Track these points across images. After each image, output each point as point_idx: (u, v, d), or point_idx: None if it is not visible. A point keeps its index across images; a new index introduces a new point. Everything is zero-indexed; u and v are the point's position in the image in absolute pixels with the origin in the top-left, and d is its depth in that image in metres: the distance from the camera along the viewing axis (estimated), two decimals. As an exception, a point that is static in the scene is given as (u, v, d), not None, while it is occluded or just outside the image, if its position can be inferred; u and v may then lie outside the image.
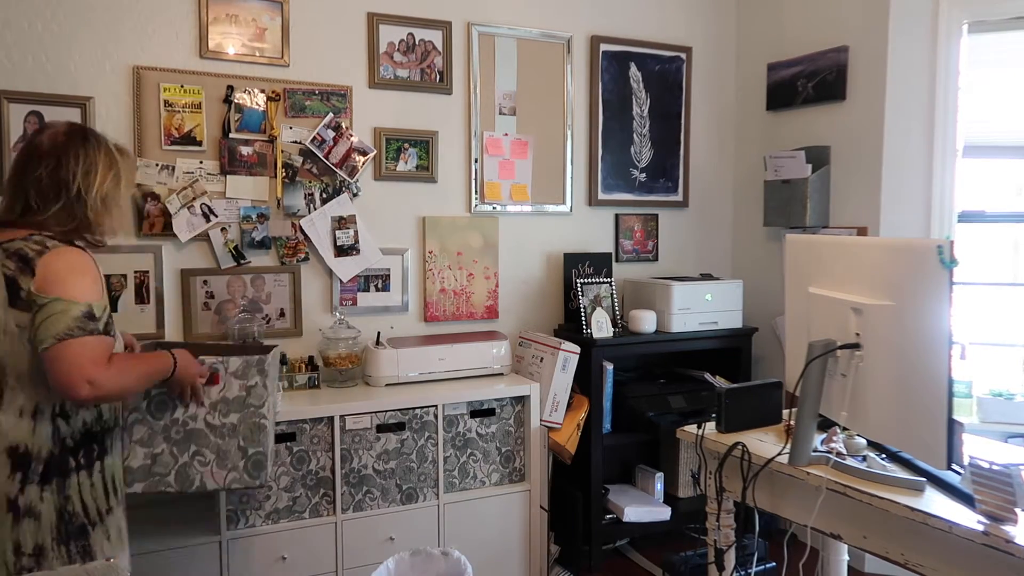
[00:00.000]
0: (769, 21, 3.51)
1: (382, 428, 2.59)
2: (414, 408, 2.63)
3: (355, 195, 2.93)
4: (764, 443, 1.99)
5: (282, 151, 2.79)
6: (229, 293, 2.76)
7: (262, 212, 2.77)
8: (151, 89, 2.60)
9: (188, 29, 2.66)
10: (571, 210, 3.36)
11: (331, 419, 2.50)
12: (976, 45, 2.89)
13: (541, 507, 2.84)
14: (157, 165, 2.62)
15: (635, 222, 3.53)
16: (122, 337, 1.78)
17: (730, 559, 2.12)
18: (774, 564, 2.76)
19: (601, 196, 3.41)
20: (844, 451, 1.83)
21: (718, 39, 3.67)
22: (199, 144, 2.68)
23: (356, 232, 2.91)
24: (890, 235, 2.95)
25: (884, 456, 1.79)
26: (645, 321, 3.13)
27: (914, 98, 2.93)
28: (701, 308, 3.19)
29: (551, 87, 3.29)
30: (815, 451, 1.83)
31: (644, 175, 3.52)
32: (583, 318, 3.10)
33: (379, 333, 2.91)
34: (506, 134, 3.20)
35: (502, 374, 2.95)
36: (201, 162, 2.68)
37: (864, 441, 1.87)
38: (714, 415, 2.12)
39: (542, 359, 2.96)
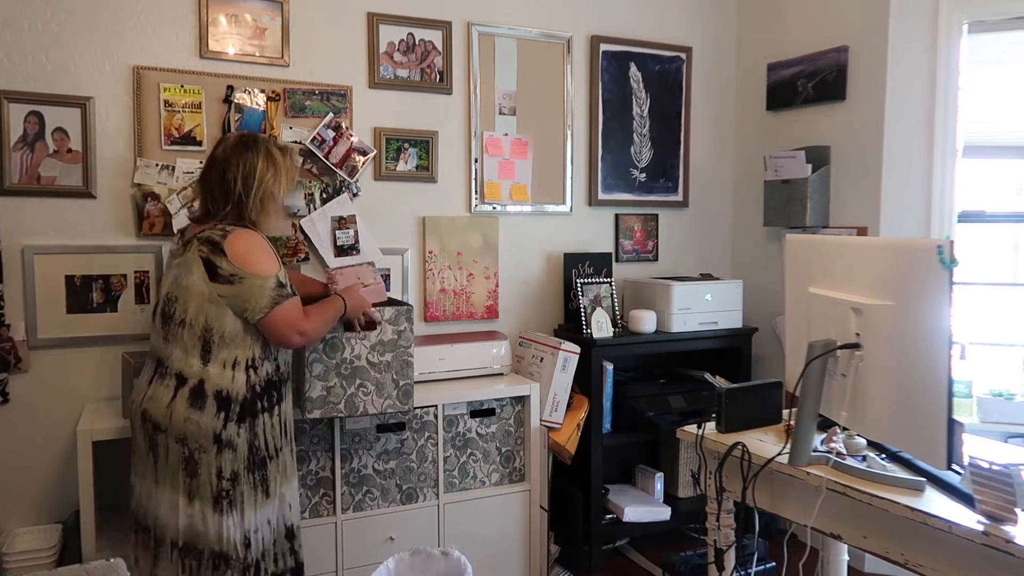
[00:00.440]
0: (769, 21, 3.51)
1: (382, 428, 2.59)
2: (414, 408, 2.63)
3: (355, 195, 2.93)
4: (764, 443, 1.99)
5: (282, 151, 2.79)
6: (229, 293, 2.75)
7: (262, 212, 2.77)
8: (151, 89, 2.60)
9: (188, 29, 2.66)
10: (571, 210, 3.36)
11: (331, 419, 2.50)
12: (976, 45, 2.89)
13: (541, 507, 2.84)
14: (157, 165, 2.62)
15: (635, 222, 3.53)
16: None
17: (730, 559, 2.12)
18: (774, 564, 2.76)
19: (601, 196, 3.41)
20: (844, 451, 1.83)
21: (718, 39, 3.67)
22: (199, 144, 2.68)
23: (356, 232, 2.91)
24: (890, 235, 2.95)
25: (884, 456, 1.79)
26: (645, 321, 3.13)
27: (914, 98, 2.93)
28: (701, 308, 3.19)
29: (551, 87, 3.29)
30: (815, 451, 1.83)
31: (644, 175, 3.52)
32: (583, 318, 3.10)
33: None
34: (506, 134, 3.20)
35: (502, 374, 2.95)
36: (201, 162, 2.67)
37: (864, 441, 1.87)
38: (714, 415, 2.12)
39: (542, 359, 2.96)
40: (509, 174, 3.22)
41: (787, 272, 2.10)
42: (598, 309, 3.12)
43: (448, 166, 3.10)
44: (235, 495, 1.92)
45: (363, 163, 2.92)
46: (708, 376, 3.28)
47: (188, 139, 2.66)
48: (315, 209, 2.85)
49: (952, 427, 1.52)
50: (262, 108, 2.75)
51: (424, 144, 3.04)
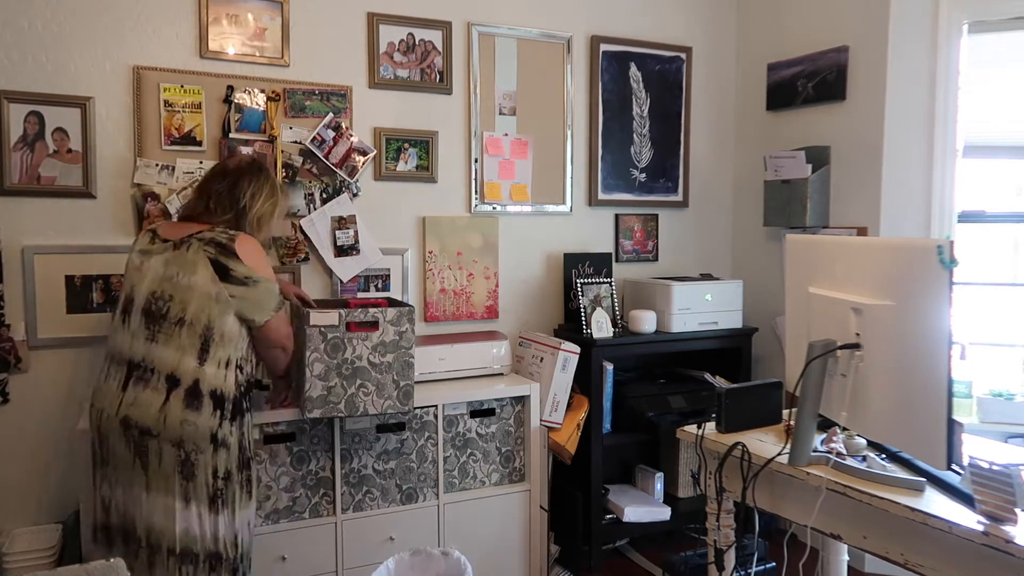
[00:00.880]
0: (769, 21, 3.51)
1: (382, 428, 2.59)
2: (414, 408, 2.63)
3: (355, 195, 2.93)
4: (764, 443, 1.99)
5: (282, 151, 2.79)
6: (229, 293, 2.76)
7: (262, 212, 2.77)
8: (151, 89, 2.60)
9: (188, 29, 2.66)
10: (571, 210, 3.36)
11: (331, 419, 2.50)
12: (976, 45, 2.89)
13: (541, 507, 2.84)
14: (157, 165, 2.62)
15: (635, 222, 3.53)
16: None
17: (730, 559, 2.12)
18: (774, 564, 2.76)
19: (601, 196, 3.41)
20: (844, 451, 1.83)
21: (718, 39, 3.67)
22: (199, 144, 2.68)
23: (356, 232, 2.91)
24: (890, 235, 2.95)
25: (884, 456, 1.79)
26: (645, 321, 3.13)
27: (914, 98, 2.93)
28: (701, 308, 3.19)
29: (551, 87, 3.29)
30: (815, 451, 1.83)
31: (644, 175, 3.52)
32: (583, 318, 3.10)
33: (379, 333, 2.91)
34: (506, 134, 3.20)
35: (502, 374, 2.95)
36: (201, 162, 2.68)
37: (864, 441, 1.87)
38: (714, 415, 2.12)
39: (542, 359, 2.96)
40: (509, 174, 3.22)
41: (787, 272, 2.10)
42: (598, 309, 3.12)
43: (448, 166, 3.10)
44: (227, 494, 1.95)
45: (363, 163, 2.92)
46: (708, 376, 3.28)
47: (188, 139, 2.66)
48: (315, 209, 2.85)
49: (952, 427, 1.52)
50: (262, 108, 2.75)
51: (424, 144, 3.04)
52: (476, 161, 3.15)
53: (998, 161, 3.09)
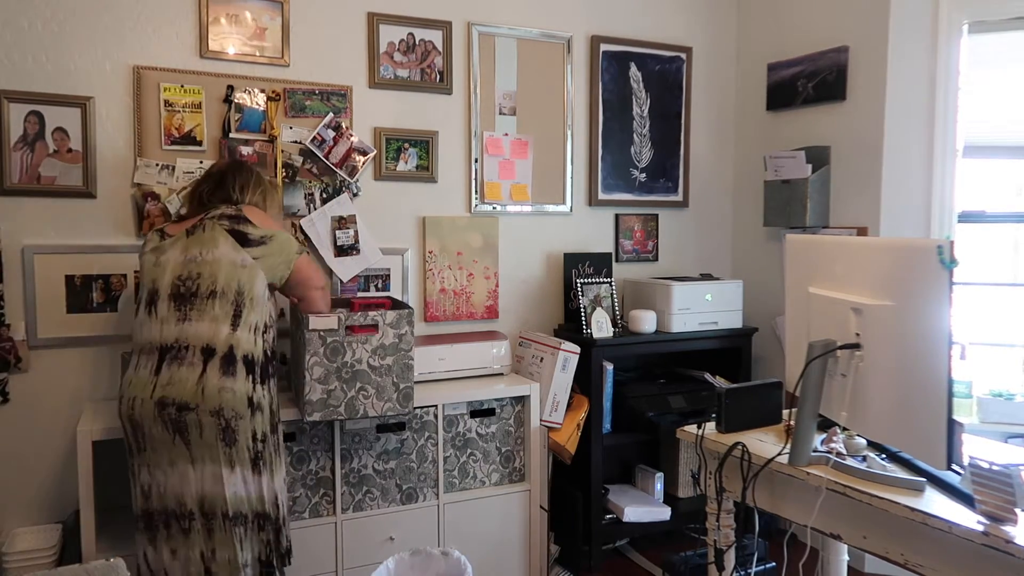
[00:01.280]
0: (769, 21, 3.51)
1: (382, 428, 2.59)
2: (414, 408, 2.63)
3: (355, 195, 2.93)
4: (764, 443, 1.99)
5: (282, 151, 2.79)
6: (229, 293, 2.76)
7: (262, 212, 2.77)
8: (151, 89, 2.60)
9: (188, 29, 2.66)
10: (571, 210, 3.36)
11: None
12: (976, 45, 2.89)
13: (541, 507, 2.84)
14: (157, 165, 2.62)
15: (635, 222, 3.53)
16: None
17: (730, 559, 2.12)
18: (774, 564, 2.76)
19: (601, 196, 3.41)
20: (844, 451, 1.83)
21: (718, 39, 3.67)
22: (199, 144, 2.68)
23: (356, 232, 2.91)
24: (890, 235, 2.95)
25: (884, 456, 1.79)
26: (645, 321, 3.13)
27: (914, 98, 2.92)
28: (701, 308, 3.19)
29: (551, 87, 3.29)
30: (815, 451, 1.83)
31: (644, 175, 3.52)
32: (583, 318, 3.10)
33: (379, 333, 2.91)
34: (506, 134, 3.20)
35: (502, 374, 2.95)
36: (201, 162, 2.68)
37: (864, 441, 1.87)
38: (714, 415, 2.12)
39: (542, 359, 2.96)
40: (509, 174, 3.22)
41: (787, 272, 2.10)
42: (598, 309, 3.12)
43: (448, 166, 3.10)
44: (265, 456, 2.02)
45: (363, 163, 2.92)
46: (708, 376, 3.28)
47: (188, 139, 2.66)
48: (315, 209, 2.85)
49: (952, 427, 1.52)
50: (262, 108, 2.75)
51: (424, 144, 3.04)
52: (476, 161, 3.15)
53: (998, 161, 3.09)
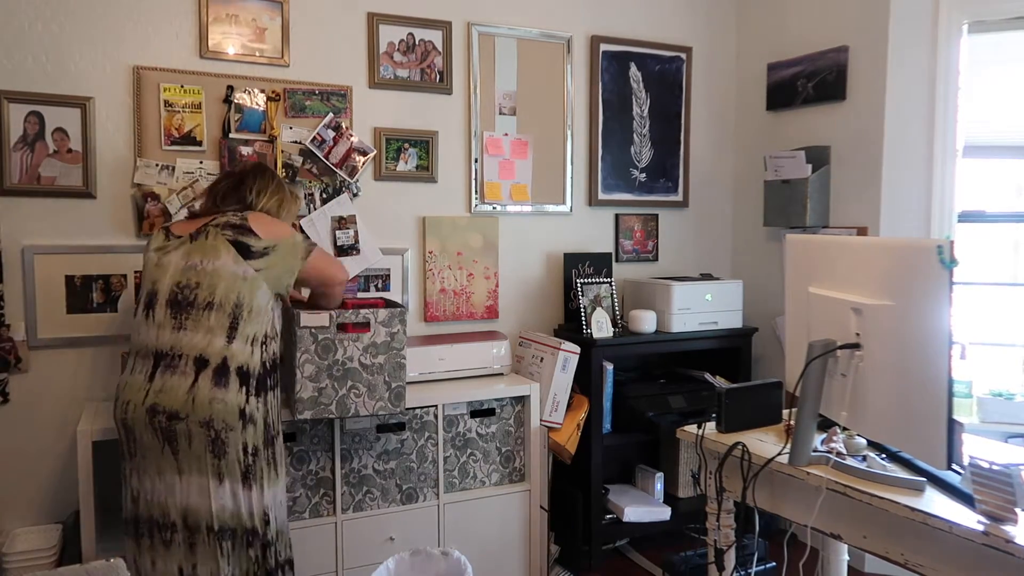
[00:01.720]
0: (769, 21, 3.51)
1: (382, 428, 2.59)
2: (414, 408, 2.63)
3: (355, 195, 2.93)
4: (764, 443, 1.99)
5: (282, 151, 2.79)
6: (229, 293, 2.75)
7: (262, 212, 2.77)
8: (151, 89, 2.60)
9: (188, 29, 2.66)
10: (571, 210, 3.36)
11: (331, 420, 2.50)
12: (976, 45, 2.89)
13: (541, 507, 2.84)
14: (157, 165, 2.62)
15: (635, 222, 3.53)
16: None
17: (730, 559, 2.12)
18: (774, 564, 2.76)
19: (601, 196, 3.41)
20: (844, 451, 1.83)
21: (718, 39, 3.67)
22: (199, 144, 2.68)
23: (356, 232, 2.91)
24: (890, 235, 2.95)
25: (884, 456, 1.79)
26: (645, 321, 3.13)
27: (914, 98, 2.92)
28: (701, 308, 3.19)
29: (551, 87, 3.29)
30: (815, 451, 1.83)
31: (644, 175, 3.52)
32: (583, 318, 3.10)
33: (379, 333, 2.91)
34: (506, 134, 3.20)
35: (502, 374, 2.94)
36: (201, 162, 2.68)
37: (864, 441, 1.87)
38: (714, 415, 2.12)
39: (542, 359, 2.96)
40: (509, 174, 3.22)
41: (787, 272, 2.10)
42: (598, 309, 3.12)
43: (448, 166, 3.10)
44: (255, 470, 1.97)
45: (363, 163, 2.92)
46: (708, 376, 3.28)
47: (188, 139, 2.66)
48: (315, 209, 2.85)
49: (952, 427, 1.52)
50: (262, 108, 2.75)
51: (424, 144, 3.04)
52: (476, 161, 3.15)
53: (998, 161, 3.09)
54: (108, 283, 2.58)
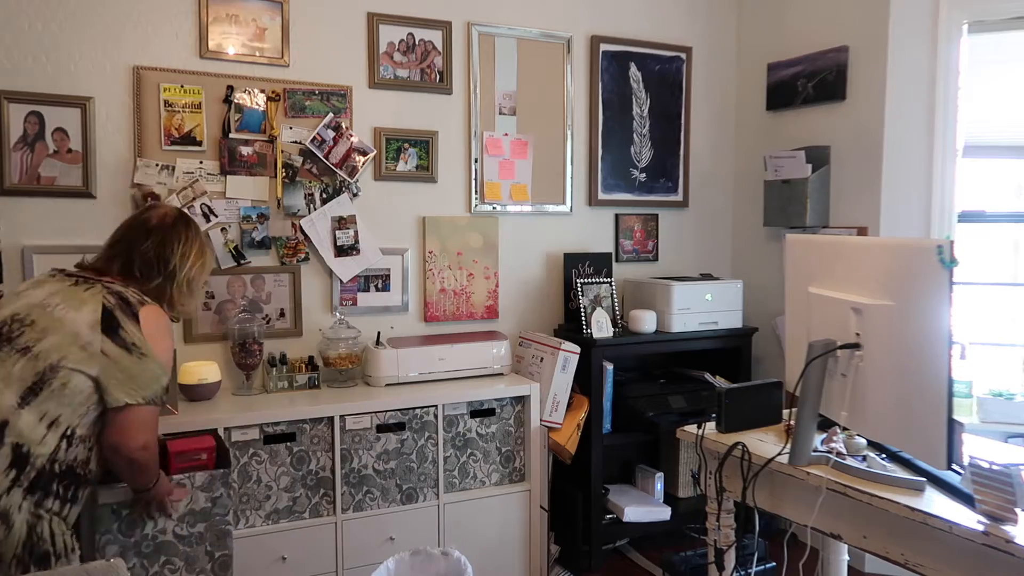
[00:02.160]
0: (769, 21, 3.51)
1: (382, 428, 2.59)
2: (414, 408, 2.63)
3: (355, 195, 2.93)
4: (764, 443, 1.99)
5: (282, 151, 2.79)
6: (229, 293, 2.76)
7: (262, 212, 2.77)
8: (151, 89, 2.60)
9: (188, 29, 2.66)
10: (571, 210, 3.36)
11: (331, 419, 2.50)
12: (976, 45, 2.89)
13: (541, 507, 2.84)
14: (157, 165, 2.62)
15: (635, 222, 3.53)
16: None
17: (730, 559, 2.12)
18: (774, 564, 2.76)
19: (601, 196, 3.41)
20: (844, 451, 1.83)
21: (718, 39, 3.67)
22: (199, 144, 2.68)
23: (356, 232, 2.91)
24: (890, 235, 2.95)
25: (884, 456, 1.79)
26: (645, 321, 3.13)
27: (914, 98, 2.93)
28: (701, 308, 3.19)
29: (551, 87, 3.29)
30: (815, 451, 1.83)
31: (644, 175, 3.52)
32: (583, 318, 3.10)
33: (379, 333, 2.91)
34: (506, 134, 3.20)
35: (502, 374, 2.95)
36: (201, 162, 2.68)
37: (864, 441, 1.87)
38: (714, 415, 2.12)
39: (542, 359, 2.96)
40: (509, 174, 3.22)
41: (787, 272, 2.10)
42: (598, 309, 3.12)
43: (448, 166, 3.10)
44: None
45: (363, 163, 2.92)
46: (708, 376, 3.28)
47: (188, 139, 2.66)
48: (315, 209, 2.85)
49: (952, 427, 1.52)
50: (262, 108, 2.75)
51: (424, 144, 3.04)
52: (476, 161, 3.15)
53: (998, 161, 3.09)
54: (108, 283, 2.58)
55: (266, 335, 2.76)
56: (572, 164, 3.35)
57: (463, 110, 3.12)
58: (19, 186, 2.47)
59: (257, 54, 2.75)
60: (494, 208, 3.20)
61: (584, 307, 3.12)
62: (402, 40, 2.98)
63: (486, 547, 2.74)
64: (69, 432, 1.59)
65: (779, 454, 1.85)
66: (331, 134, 2.86)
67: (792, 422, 1.87)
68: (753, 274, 3.58)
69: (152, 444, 1.69)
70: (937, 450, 1.53)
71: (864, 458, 1.79)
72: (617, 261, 3.46)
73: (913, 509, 1.54)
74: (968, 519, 1.47)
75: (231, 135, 2.71)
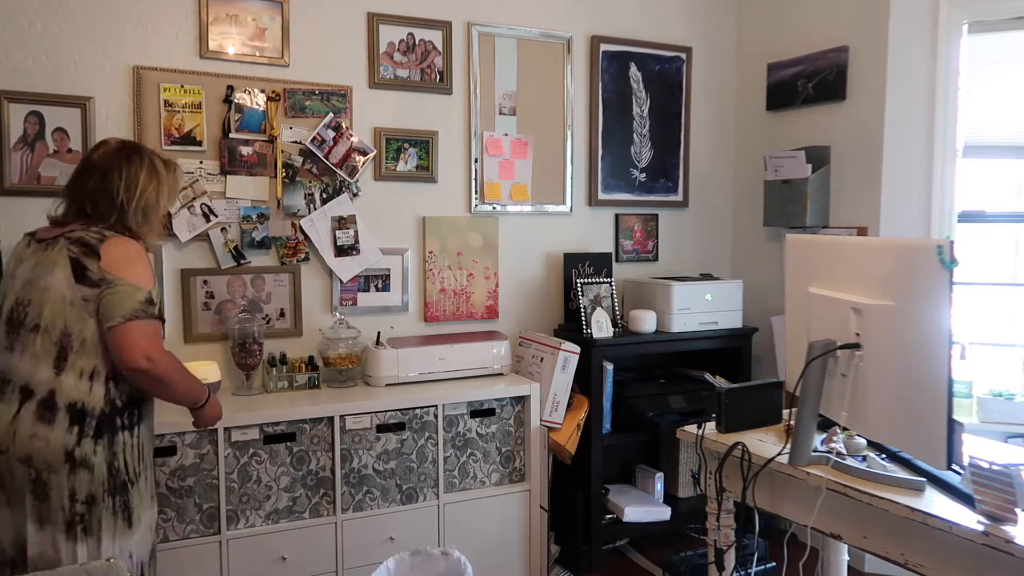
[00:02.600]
0: (769, 21, 3.51)
1: (382, 428, 2.59)
2: (414, 408, 2.63)
3: (355, 195, 2.93)
4: (764, 443, 1.99)
5: (282, 151, 2.79)
6: (229, 293, 2.76)
7: (262, 212, 2.77)
8: (151, 89, 2.60)
9: (188, 29, 2.66)
10: (571, 210, 3.36)
11: (331, 419, 2.50)
12: (976, 45, 2.89)
13: (541, 507, 2.84)
14: (157, 165, 2.62)
15: (635, 222, 3.53)
16: None
17: (730, 559, 2.12)
18: (774, 564, 2.76)
19: (601, 196, 3.41)
20: (844, 451, 1.83)
21: (718, 39, 3.67)
22: (199, 144, 2.68)
23: (356, 232, 2.91)
24: (890, 235, 2.95)
25: (884, 456, 1.79)
26: (645, 321, 3.13)
27: (914, 98, 2.93)
28: (701, 308, 3.19)
29: (551, 87, 3.29)
30: (815, 451, 1.83)
31: (644, 175, 3.52)
32: (583, 318, 3.10)
33: (379, 333, 2.91)
34: (506, 134, 3.20)
35: (502, 374, 2.95)
36: (201, 162, 2.68)
37: (864, 441, 1.87)
38: (714, 415, 2.12)
39: (542, 359, 2.96)
40: (509, 174, 3.22)
41: (787, 272, 2.10)
42: (598, 309, 3.12)
43: (448, 166, 3.10)
44: (91, 521, 1.72)
45: (363, 163, 2.92)
46: (708, 376, 3.28)
47: (188, 139, 2.66)
48: (315, 209, 2.85)
49: (952, 427, 1.52)
50: (262, 108, 2.75)
51: (424, 144, 3.04)
52: (476, 161, 3.15)
53: (998, 161, 3.09)
54: (108, 283, 2.58)
55: (266, 335, 2.76)
56: (572, 164, 3.35)
57: (463, 110, 3.12)
58: (19, 186, 2.47)
59: (257, 54, 2.75)
60: (494, 208, 3.20)
61: (584, 307, 3.12)
62: (402, 40, 2.98)
63: (486, 547, 2.74)
64: (109, 375, 1.75)
65: (779, 454, 1.85)
66: (331, 134, 2.86)
67: (792, 422, 1.87)
68: (753, 274, 3.58)
69: (155, 355, 1.73)
70: (937, 450, 1.53)
71: (864, 458, 1.79)
72: (617, 261, 3.46)
73: (913, 509, 1.54)
74: (968, 519, 1.47)
75: (231, 135, 2.71)
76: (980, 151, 2.99)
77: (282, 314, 2.84)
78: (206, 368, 2.57)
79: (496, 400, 2.78)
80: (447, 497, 2.69)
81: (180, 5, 2.64)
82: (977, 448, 1.87)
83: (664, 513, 3.15)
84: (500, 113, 3.19)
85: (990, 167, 3.09)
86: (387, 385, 2.75)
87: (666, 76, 3.53)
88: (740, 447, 1.93)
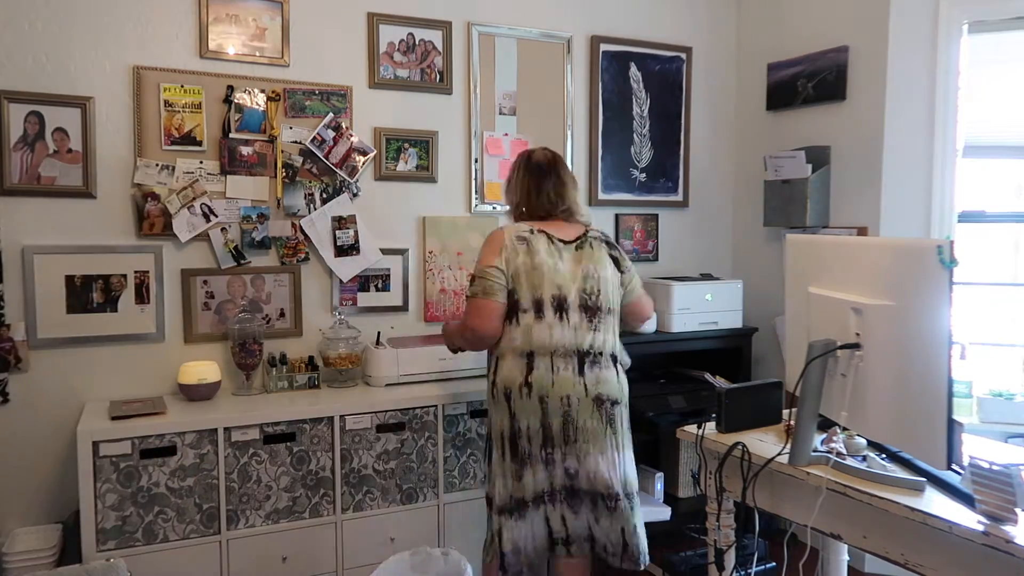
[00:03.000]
0: (769, 21, 3.51)
1: (382, 428, 2.59)
2: (414, 408, 2.63)
3: (355, 195, 2.93)
4: (764, 443, 1.99)
5: (282, 151, 2.79)
6: (229, 293, 2.76)
7: (262, 212, 2.77)
8: (151, 89, 2.60)
9: (188, 29, 2.66)
10: (571, 210, 3.36)
11: (331, 419, 2.51)
12: (976, 45, 2.89)
13: (541, 507, 2.84)
14: (157, 165, 2.62)
15: (635, 222, 3.53)
16: None
17: (730, 559, 2.12)
18: (774, 564, 2.76)
19: (601, 196, 3.41)
20: (844, 451, 1.83)
21: (718, 39, 3.67)
22: (199, 144, 2.68)
23: (356, 232, 2.91)
24: (890, 235, 2.95)
25: (884, 456, 1.79)
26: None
27: (914, 98, 2.93)
28: (701, 308, 3.19)
29: (551, 87, 3.29)
30: (815, 451, 1.83)
31: (644, 175, 3.52)
32: (583, 318, 3.09)
33: (379, 333, 2.91)
34: (506, 134, 3.20)
35: (502, 374, 2.94)
36: (201, 162, 2.68)
37: (864, 441, 1.87)
38: (714, 415, 2.12)
39: (542, 359, 2.95)
40: (509, 174, 3.21)
41: (787, 272, 2.10)
42: (598, 309, 3.11)
43: (448, 166, 3.10)
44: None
45: (363, 163, 2.92)
46: (708, 376, 3.28)
47: (188, 139, 2.66)
48: (315, 209, 2.85)
49: (952, 427, 1.52)
50: (262, 108, 2.75)
51: (424, 144, 3.04)
52: (476, 161, 3.15)
53: (998, 161, 3.10)
54: (108, 283, 2.58)
55: (266, 335, 2.76)
56: (572, 164, 3.34)
57: (463, 110, 3.12)
58: (19, 186, 2.47)
59: (257, 54, 2.75)
60: (494, 208, 3.20)
61: (584, 307, 3.12)
62: (402, 40, 2.98)
63: (486, 547, 2.74)
64: (615, 330, 2.30)
65: (779, 454, 1.85)
66: (331, 134, 2.86)
67: (792, 422, 1.87)
68: (753, 274, 3.58)
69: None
70: (937, 450, 1.53)
71: (864, 458, 1.79)
72: (617, 261, 3.46)
73: (913, 509, 1.54)
74: (968, 519, 1.47)
75: (231, 135, 2.71)
76: (980, 151, 2.99)
77: (282, 314, 2.84)
78: (206, 368, 2.59)
79: (496, 400, 2.78)
80: (447, 497, 2.69)
81: (180, 5, 2.64)
82: (977, 448, 1.87)
83: (664, 513, 3.15)
84: (500, 113, 3.19)
85: (990, 167, 3.09)
86: (387, 385, 2.75)
87: (666, 76, 3.53)
88: (740, 447, 1.93)
